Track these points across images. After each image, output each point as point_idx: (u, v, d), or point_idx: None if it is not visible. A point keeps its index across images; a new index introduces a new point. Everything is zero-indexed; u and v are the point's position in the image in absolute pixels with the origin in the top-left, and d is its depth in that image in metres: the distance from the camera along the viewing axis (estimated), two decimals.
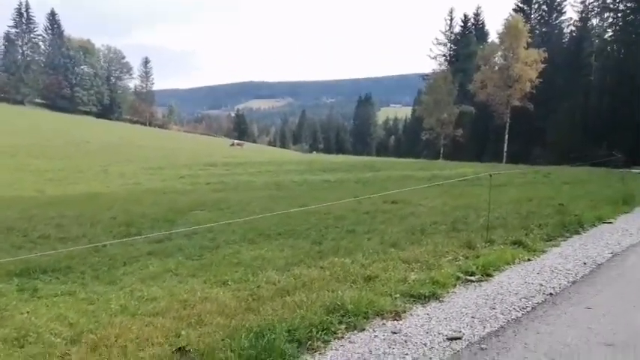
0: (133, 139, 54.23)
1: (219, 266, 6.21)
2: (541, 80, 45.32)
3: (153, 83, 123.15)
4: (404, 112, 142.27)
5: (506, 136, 47.45)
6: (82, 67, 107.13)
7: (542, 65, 44.67)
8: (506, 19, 48.50)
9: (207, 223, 9.67)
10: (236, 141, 74.12)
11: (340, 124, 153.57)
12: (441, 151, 56.52)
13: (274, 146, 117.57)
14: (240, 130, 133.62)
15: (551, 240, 7.33)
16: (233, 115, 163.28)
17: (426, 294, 4.78)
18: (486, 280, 5.34)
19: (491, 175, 7.77)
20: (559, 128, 45.65)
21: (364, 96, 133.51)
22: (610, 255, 6.52)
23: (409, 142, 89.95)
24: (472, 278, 5.34)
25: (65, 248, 7.49)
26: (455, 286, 5.13)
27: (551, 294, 4.90)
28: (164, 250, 7.42)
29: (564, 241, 7.41)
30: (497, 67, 48.56)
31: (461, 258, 6.17)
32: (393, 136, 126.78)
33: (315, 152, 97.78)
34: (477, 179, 14.78)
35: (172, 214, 11.00)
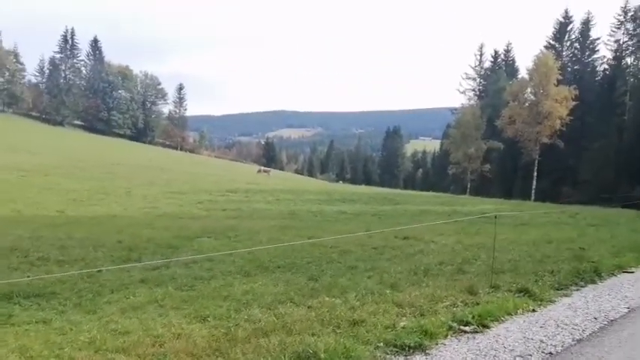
0: (161, 163, 55.31)
1: (205, 299, 5.99)
2: (572, 118, 44.39)
3: (186, 109, 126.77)
4: (432, 145, 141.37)
5: (535, 174, 46.37)
6: (119, 91, 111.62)
7: (574, 103, 43.81)
8: (536, 56, 48.09)
9: (211, 251, 9.53)
10: (263, 168, 74.51)
11: (368, 155, 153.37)
12: (468, 187, 55.60)
13: (301, 174, 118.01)
14: (269, 157, 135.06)
15: (562, 289, 6.78)
16: (263, 142, 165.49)
17: (412, 345, 4.42)
18: (481, 332, 4.91)
19: (496, 217, 7.36)
20: (591, 167, 44.28)
21: (393, 128, 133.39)
22: (626, 310, 5.93)
23: (437, 175, 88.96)
24: (466, 329, 4.93)
25: (62, 272, 7.41)
26: (446, 336, 4.73)
27: (551, 353, 4.42)
28: (157, 278, 7.23)
29: (577, 290, 6.84)
30: (526, 104, 47.96)
31: (459, 304, 5.75)
32: (420, 169, 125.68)
33: (341, 182, 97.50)
34: (498, 217, 14.19)
35: (178, 240, 10.88)
